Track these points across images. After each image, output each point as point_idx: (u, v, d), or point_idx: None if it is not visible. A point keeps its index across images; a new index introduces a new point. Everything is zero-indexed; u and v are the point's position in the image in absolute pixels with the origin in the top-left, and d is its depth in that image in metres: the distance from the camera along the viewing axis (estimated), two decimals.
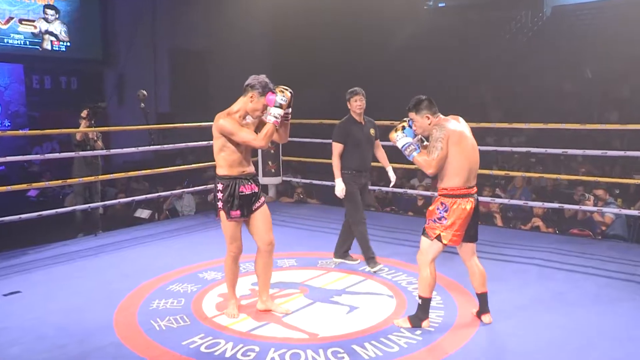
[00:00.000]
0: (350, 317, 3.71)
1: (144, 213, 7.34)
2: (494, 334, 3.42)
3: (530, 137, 10.62)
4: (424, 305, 3.47)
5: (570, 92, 12.21)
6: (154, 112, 11.17)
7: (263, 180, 7.47)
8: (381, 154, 4.81)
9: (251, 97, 3.40)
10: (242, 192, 3.50)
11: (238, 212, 3.51)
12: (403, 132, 3.39)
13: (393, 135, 3.43)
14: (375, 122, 4.87)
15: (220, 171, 3.52)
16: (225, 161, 3.48)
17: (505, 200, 6.75)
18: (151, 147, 6.52)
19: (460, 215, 3.29)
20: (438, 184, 3.37)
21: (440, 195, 3.35)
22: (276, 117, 3.38)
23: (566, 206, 6.21)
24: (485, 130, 9.95)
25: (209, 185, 7.51)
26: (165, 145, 6.89)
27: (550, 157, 9.50)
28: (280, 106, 3.37)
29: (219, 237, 6.06)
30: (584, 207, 6.15)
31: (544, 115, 9.53)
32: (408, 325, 3.47)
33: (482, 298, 3.56)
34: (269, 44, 13.06)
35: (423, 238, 3.41)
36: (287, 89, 3.44)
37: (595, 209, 5.98)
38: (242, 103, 3.45)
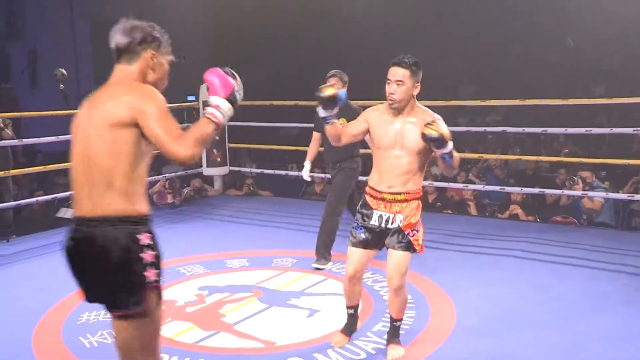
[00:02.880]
0: (311, 321, 3.78)
1: (68, 212, 7.18)
2: (470, 337, 3.54)
3: (506, 116, 10.88)
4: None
5: (552, 63, 12.53)
6: (76, 94, 10.88)
7: (207, 171, 7.45)
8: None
9: None
10: None
11: None
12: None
13: (444, 130, 2.88)
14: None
15: (133, 206, 2.19)
16: (141, 185, 2.34)
17: (480, 187, 6.94)
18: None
19: None
20: (412, 186, 3.13)
21: (415, 199, 3.15)
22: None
23: (548, 191, 6.41)
24: (456, 109, 10.15)
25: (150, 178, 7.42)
26: None
27: (529, 138, 9.76)
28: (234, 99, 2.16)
29: (157, 236, 6.02)
30: (567, 192, 6.36)
31: (522, 90, 9.78)
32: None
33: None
34: (212, 12, 12.91)
35: (406, 254, 3.12)
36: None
37: (580, 193, 6.18)
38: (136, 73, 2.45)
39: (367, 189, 3.23)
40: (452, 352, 3.35)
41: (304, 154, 5.29)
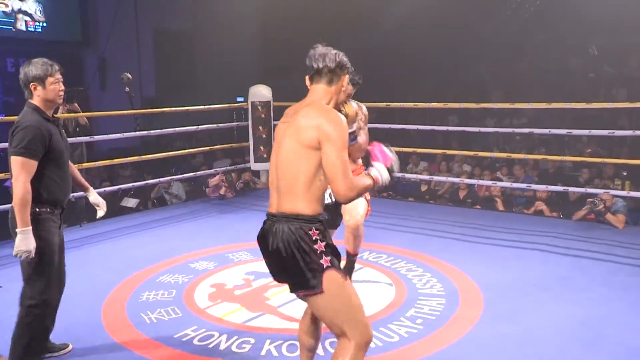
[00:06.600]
0: None
1: (130, 202, 7.33)
2: (497, 322, 3.46)
3: (532, 118, 10.64)
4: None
5: (575, 69, 12.22)
6: (139, 96, 11.09)
7: (255, 166, 7.48)
8: (73, 170, 3.15)
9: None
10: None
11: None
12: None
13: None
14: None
15: (307, 207, 2.17)
16: (319, 191, 2.19)
17: (507, 184, 6.79)
18: (137, 132, 6.49)
19: None
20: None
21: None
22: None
23: (571, 189, 6.23)
24: (486, 111, 9.97)
25: (199, 172, 7.52)
26: (151, 131, 6.86)
27: (554, 139, 9.53)
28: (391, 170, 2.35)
29: (208, 225, 6.13)
30: (590, 190, 6.11)
31: (547, 94, 9.55)
32: None
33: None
34: (258, 21, 12.98)
35: (362, 200, 3.50)
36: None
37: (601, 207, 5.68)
38: (332, 93, 2.28)
39: None
40: (481, 336, 3.28)
41: None
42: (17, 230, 2.72)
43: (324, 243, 2.18)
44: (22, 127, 2.77)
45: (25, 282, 2.87)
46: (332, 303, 2.19)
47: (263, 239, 2.27)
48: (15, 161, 2.73)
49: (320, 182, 2.17)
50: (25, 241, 2.71)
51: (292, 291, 2.30)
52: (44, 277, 2.84)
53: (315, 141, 2.11)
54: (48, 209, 2.86)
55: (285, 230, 2.15)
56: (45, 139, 2.79)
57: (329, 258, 2.17)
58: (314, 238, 2.15)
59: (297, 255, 2.14)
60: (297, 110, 2.25)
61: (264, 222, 2.28)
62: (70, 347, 3.22)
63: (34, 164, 2.75)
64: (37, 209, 2.80)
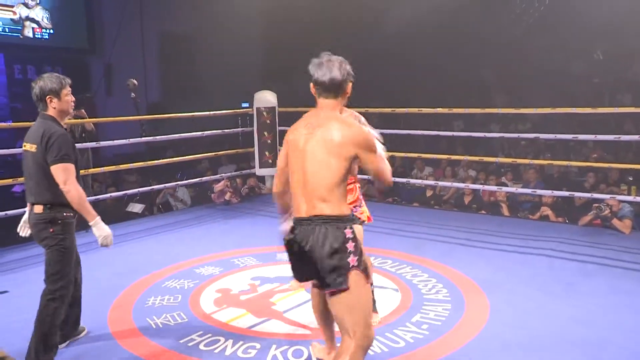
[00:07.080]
0: None
1: (136, 207, 7.34)
2: (503, 328, 3.45)
3: (536, 123, 10.62)
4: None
5: (580, 74, 12.20)
6: (145, 101, 11.14)
7: (260, 171, 7.49)
8: None
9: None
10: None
11: None
12: None
13: None
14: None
15: (339, 209, 2.35)
16: (345, 194, 2.41)
17: (512, 189, 6.77)
18: (142, 138, 6.51)
19: None
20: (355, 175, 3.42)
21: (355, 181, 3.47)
22: None
23: (577, 194, 6.21)
24: (490, 116, 9.96)
25: (204, 178, 7.54)
26: (157, 137, 6.88)
27: (559, 144, 9.50)
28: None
29: (214, 230, 6.15)
30: (596, 195, 6.09)
31: (552, 99, 9.54)
32: None
33: None
34: (263, 25, 13.04)
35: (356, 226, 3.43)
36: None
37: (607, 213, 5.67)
38: (340, 103, 2.49)
39: None
40: (486, 341, 3.27)
41: None
42: (90, 224, 3.08)
43: (354, 243, 2.33)
44: (56, 136, 3.00)
45: (47, 279, 3.13)
46: (349, 301, 2.31)
47: (297, 242, 2.35)
48: (60, 168, 2.99)
49: (345, 185, 2.38)
50: (101, 230, 3.10)
51: (321, 288, 2.46)
52: (65, 277, 3.13)
53: (350, 153, 2.32)
54: (72, 214, 3.12)
55: (323, 230, 2.30)
56: (73, 147, 3.08)
57: (356, 257, 2.32)
58: (347, 237, 2.31)
59: (331, 253, 2.28)
60: (319, 124, 2.38)
61: (295, 227, 2.38)
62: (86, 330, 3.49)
63: (74, 168, 3.05)
64: (65, 214, 3.09)
